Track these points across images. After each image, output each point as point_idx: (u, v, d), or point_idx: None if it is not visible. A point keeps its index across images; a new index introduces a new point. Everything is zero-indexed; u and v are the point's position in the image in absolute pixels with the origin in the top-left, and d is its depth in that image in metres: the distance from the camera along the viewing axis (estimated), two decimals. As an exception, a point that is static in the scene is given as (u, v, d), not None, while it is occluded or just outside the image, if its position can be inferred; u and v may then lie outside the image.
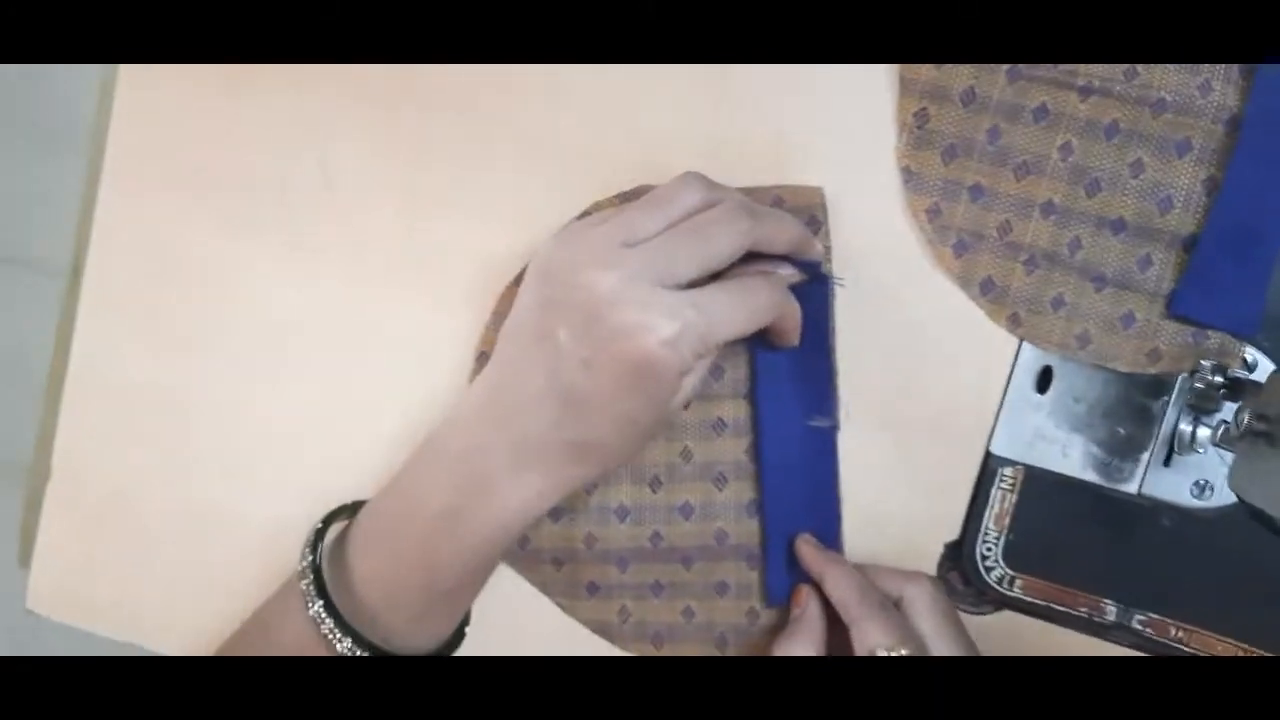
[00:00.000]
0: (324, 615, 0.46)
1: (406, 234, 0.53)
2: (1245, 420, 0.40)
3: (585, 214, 0.51)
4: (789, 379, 0.49)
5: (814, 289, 0.49)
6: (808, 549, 0.50)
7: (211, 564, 0.55)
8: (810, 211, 0.49)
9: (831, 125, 0.50)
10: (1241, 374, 0.46)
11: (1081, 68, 0.47)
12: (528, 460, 0.45)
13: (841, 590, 0.47)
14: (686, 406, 0.51)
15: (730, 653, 0.52)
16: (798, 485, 0.51)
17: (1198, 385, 0.46)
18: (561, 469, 0.46)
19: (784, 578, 0.51)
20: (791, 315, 0.47)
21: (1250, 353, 0.48)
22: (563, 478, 0.46)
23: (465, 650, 0.52)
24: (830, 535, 0.51)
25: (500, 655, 0.49)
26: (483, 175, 0.52)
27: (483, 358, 0.52)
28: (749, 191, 0.49)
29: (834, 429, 0.50)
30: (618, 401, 0.44)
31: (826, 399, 0.50)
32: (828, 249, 0.50)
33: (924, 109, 0.49)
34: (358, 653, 0.46)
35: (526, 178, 0.52)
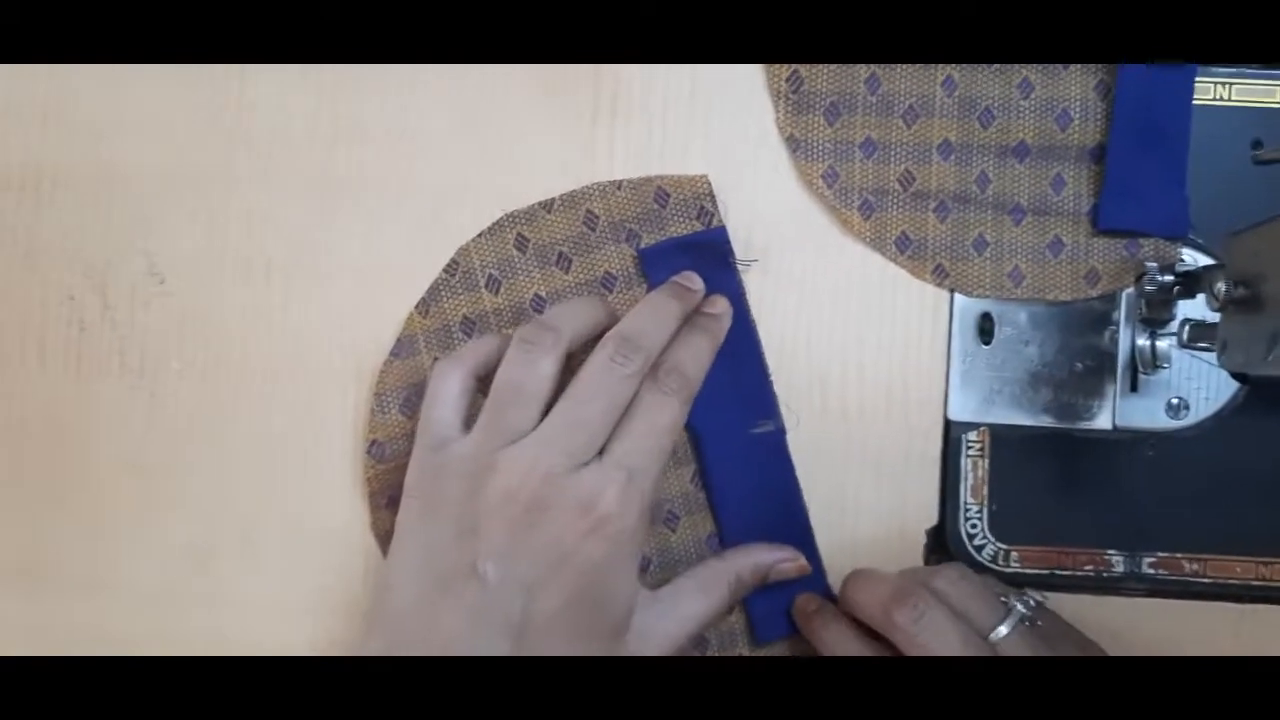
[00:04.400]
0: None
1: (258, 317, 0.46)
2: (1224, 291, 0.36)
3: (452, 264, 0.45)
4: (720, 387, 0.44)
5: (723, 280, 0.44)
6: (804, 619, 0.44)
7: None
8: (698, 202, 0.45)
9: (706, 111, 0.46)
10: (1190, 265, 0.43)
11: (945, -3, 0.45)
12: None
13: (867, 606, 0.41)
14: None
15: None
16: (756, 504, 0.45)
17: (1149, 289, 0.42)
18: None
19: (768, 607, 0.45)
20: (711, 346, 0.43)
21: (1186, 253, 0.45)
22: None
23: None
24: (803, 549, 0.45)
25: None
26: (332, 234, 0.46)
27: (375, 447, 0.45)
28: (631, 184, 0.45)
29: (781, 432, 0.45)
30: (579, 614, 0.39)
31: (765, 400, 0.45)
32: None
33: (795, 72, 0.45)
34: None
35: (380, 226, 0.46)
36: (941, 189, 0.45)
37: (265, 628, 0.46)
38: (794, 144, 0.45)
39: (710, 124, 0.46)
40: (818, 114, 0.45)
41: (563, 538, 0.38)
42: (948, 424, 0.46)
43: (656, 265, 0.45)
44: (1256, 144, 0.45)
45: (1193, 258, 0.45)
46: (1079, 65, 0.45)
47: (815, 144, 0.45)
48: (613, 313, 0.44)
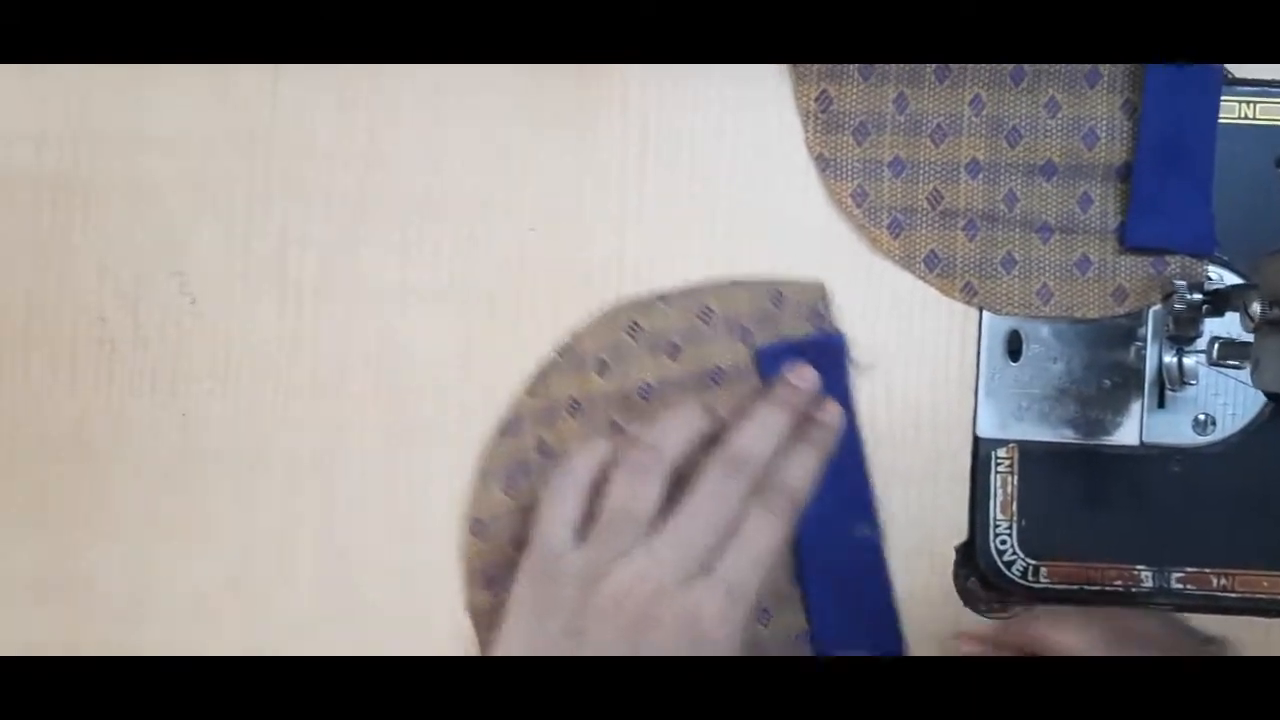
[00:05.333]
0: None
1: (289, 337, 0.46)
2: (1259, 312, 0.37)
3: (563, 346, 0.46)
4: (822, 488, 0.44)
5: (836, 383, 0.45)
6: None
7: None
8: (813, 305, 0.45)
9: (734, 131, 0.46)
10: (1219, 284, 0.43)
11: (972, 17, 0.45)
12: None
13: None
14: None
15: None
16: (850, 606, 0.45)
17: (1178, 308, 0.43)
18: None
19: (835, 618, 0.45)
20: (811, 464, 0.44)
21: (1213, 271, 0.45)
22: None
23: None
24: (892, 651, 0.45)
25: None
26: (362, 254, 0.46)
27: (477, 524, 0.45)
28: (749, 284, 0.45)
29: (878, 537, 0.45)
30: None
31: (864, 504, 0.45)
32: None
33: (824, 91, 0.46)
34: None
35: (409, 247, 0.46)
36: (970, 207, 0.46)
37: (299, 647, 0.46)
38: (823, 163, 0.46)
39: (739, 144, 0.46)
40: (846, 133, 0.46)
41: (664, 650, 0.39)
42: (976, 440, 0.46)
43: (772, 365, 0.45)
44: (1280, 162, 0.46)
45: (1219, 275, 0.45)
46: (1105, 85, 0.45)
47: (844, 163, 0.46)
48: (714, 415, 0.44)
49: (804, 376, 0.44)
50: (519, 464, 0.45)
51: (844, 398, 0.45)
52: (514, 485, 0.45)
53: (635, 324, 0.45)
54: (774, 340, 0.45)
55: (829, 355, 0.45)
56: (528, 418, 0.46)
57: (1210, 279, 0.45)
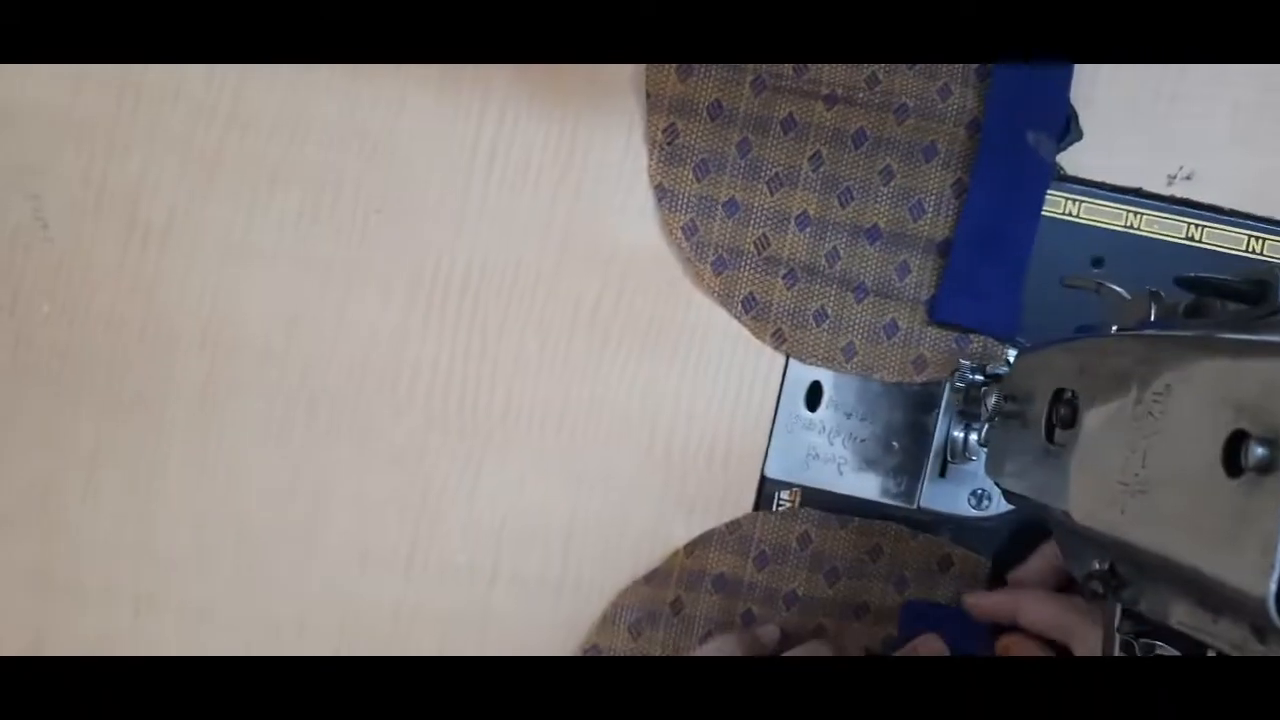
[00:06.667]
0: None
1: (130, 276, 0.48)
2: (994, 403, 0.39)
3: (734, 523, 0.47)
4: None
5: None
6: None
7: None
8: (978, 584, 0.47)
9: (585, 150, 0.48)
10: (1000, 369, 0.45)
11: (825, 77, 0.47)
12: None
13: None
14: None
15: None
16: None
17: (959, 385, 0.45)
18: None
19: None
20: None
21: (1013, 355, 0.47)
22: None
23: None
24: None
25: None
26: (212, 209, 0.48)
27: (593, 649, 0.47)
28: (923, 540, 0.47)
29: None
30: None
31: None
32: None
33: (672, 125, 0.47)
34: None
35: (257, 209, 0.48)
36: (793, 258, 0.47)
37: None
38: (661, 193, 0.47)
39: (588, 160, 0.48)
40: (687, 167, 0.47)
41: None
42: (763, 480, 0.48)
43: (912, 619, 0.47)
44: (1097, 261, 0.47)
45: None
46: (940, 161, 0.47)
47: (681, 196, 0.47)
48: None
49: (931, 646, 0.45)
50: (649, 613, 0.47)
51: None
52: (638, 630, 0.47)
53: (807, 535, 0.47)
54: (924, 598, 0.47)
55: (965, 635, 0.46)
56: (676, 574, 0.47)
57: (1006, 363, 0.47)
